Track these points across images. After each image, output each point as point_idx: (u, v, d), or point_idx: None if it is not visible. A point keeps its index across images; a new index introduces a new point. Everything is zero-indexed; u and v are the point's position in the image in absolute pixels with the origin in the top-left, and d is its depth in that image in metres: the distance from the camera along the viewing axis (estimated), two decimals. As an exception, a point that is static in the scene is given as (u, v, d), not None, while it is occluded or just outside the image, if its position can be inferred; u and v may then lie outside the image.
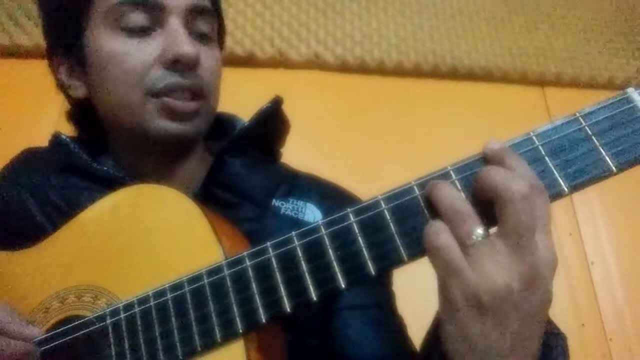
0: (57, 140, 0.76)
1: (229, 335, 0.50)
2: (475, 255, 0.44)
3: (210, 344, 0.51)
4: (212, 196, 0.72)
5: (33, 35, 1.70)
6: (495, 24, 1.99)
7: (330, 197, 0.78)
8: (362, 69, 1.86)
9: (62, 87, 0.79)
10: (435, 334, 0.50)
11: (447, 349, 0.47)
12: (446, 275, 0.44)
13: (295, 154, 0.87)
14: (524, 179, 0.44)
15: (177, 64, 0.69)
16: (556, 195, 0.46)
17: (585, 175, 0.46)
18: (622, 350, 1.57)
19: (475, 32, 1.96)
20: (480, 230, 0.44)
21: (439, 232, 0.45)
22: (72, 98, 0.79)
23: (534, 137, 0.48)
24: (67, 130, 0.81)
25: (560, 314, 1.61)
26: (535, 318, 0.45)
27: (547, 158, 0.47)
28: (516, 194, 0.42)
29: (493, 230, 0.45)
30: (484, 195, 0.45)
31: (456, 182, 0.48)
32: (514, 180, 0.43)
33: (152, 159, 0.75)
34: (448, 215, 0.45)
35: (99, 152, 0.80)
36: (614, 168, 0.45)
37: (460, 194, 0.46)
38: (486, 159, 0.47)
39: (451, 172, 0.48)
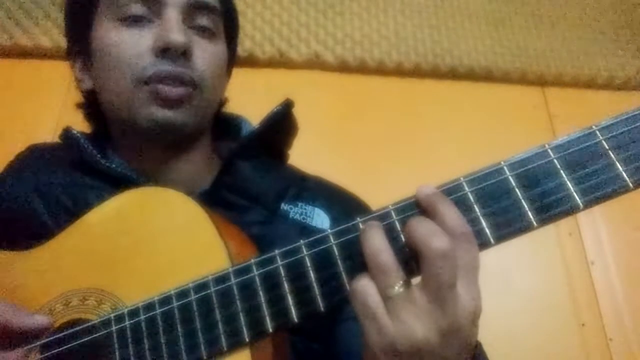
0: (68, 135, 0.76)
1: (235, 344, 0.50)
2: (394, 307, 0.44)
3: (216, 353, 0.51)
4: (221, 198, 0.72)
5: (33, 35, 1.69)
6: (495, 24, 1.99)
7: (339, 202, 0.78)
8: (362, 69, 1.85)
9: (76, 81, 0.81)
10: None
11: None
12: (364, 320, 0.46)
13: (295, 153, 0.87)
14: (446, 232, 0.44)
15: (167, 52, 0.70)
16: (571, 209, 0.46)
17: (601, 190, 0.45)
18: (622, 350, 1.57)
19: (475, 32, 1.96)
20: (401, 282, 0.45)
21: (360, 278, 0.46)
22: (82, 92, 0.81)
23: (549, 150, 0.47)
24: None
25: (560, 314, 1.62)
26: None
27: (562, 172, 0.46)
28: (436, 252, 0.43)
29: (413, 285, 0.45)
30: (410, 246, 0.46)
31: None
32: (435, 236, 0.44)
33: (151, 151, 0.75)
34: (371, 267, 0.46)
35: (106, 148, 0.80)
36: (630, 184, 0.45)
37: (386, 245, 0.46)
38: (417, 205, 0.48)
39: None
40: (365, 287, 0.46)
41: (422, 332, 0.43)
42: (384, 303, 0.45)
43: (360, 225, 0.49)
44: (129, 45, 0.71)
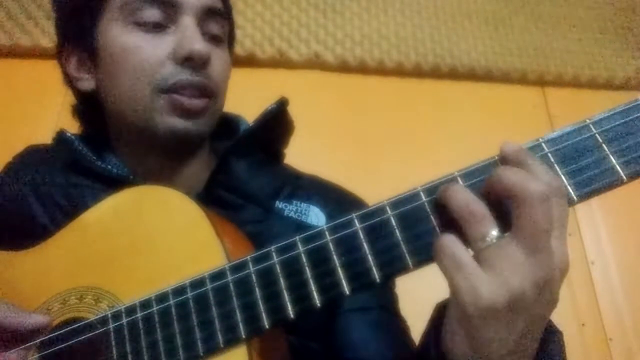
0: (61, 137, 0.76)
1: (232, 340, 0.50)
2: (488, 257, 0.43)
3: (212, 349, 0.51)
4: (216, 197, 0.72)
5: (33, 35, 1.70)
6: (495, 24, 1.99)
7: (334, 200, 0.78)
8: (362, 69, 1.86)
9: (69, 80, 0.79)
10: (436, 326, 0.49)
11: (449, 346, 0.46)
12: (455, 276, 0.43)
13: (295, 153, 0.87)
14: (542, 180, 0.43)
15: (189, 61, 0.70)
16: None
17: (594, 183, 0.45)
18: (622, 350, 1.56)
19: (475, 32, 1.96)
20: (495, 232, 0.43)
21: (445, 235, 0.45)
22: (79, 91, 0.79)
23: (543, 144, 0.47)
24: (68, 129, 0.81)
25: (560, 314, 1.60)
26: (540, 320, 0.45)
27: (556, 166, 0.46)
28: (534, 195, 0.41)
29: (506, 234, 0.44)
30: (498, 196, 0.44)
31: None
32: (532, 181, 0.42)
33: (157, 157, 0.75)
34: (463, 217, 0.44)
35: (103, 149, 0.80)
36: (624, 177, 0.45)
37: (474, 196, 0.45)
38: (503, 160, 0.46)
39: (458, 178, 0.47)
40: (454, 242, 0.44)
41: (519, 283, 0.41)
42: (477, 255, 0.43)
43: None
44: (147, 51, 0.70)
